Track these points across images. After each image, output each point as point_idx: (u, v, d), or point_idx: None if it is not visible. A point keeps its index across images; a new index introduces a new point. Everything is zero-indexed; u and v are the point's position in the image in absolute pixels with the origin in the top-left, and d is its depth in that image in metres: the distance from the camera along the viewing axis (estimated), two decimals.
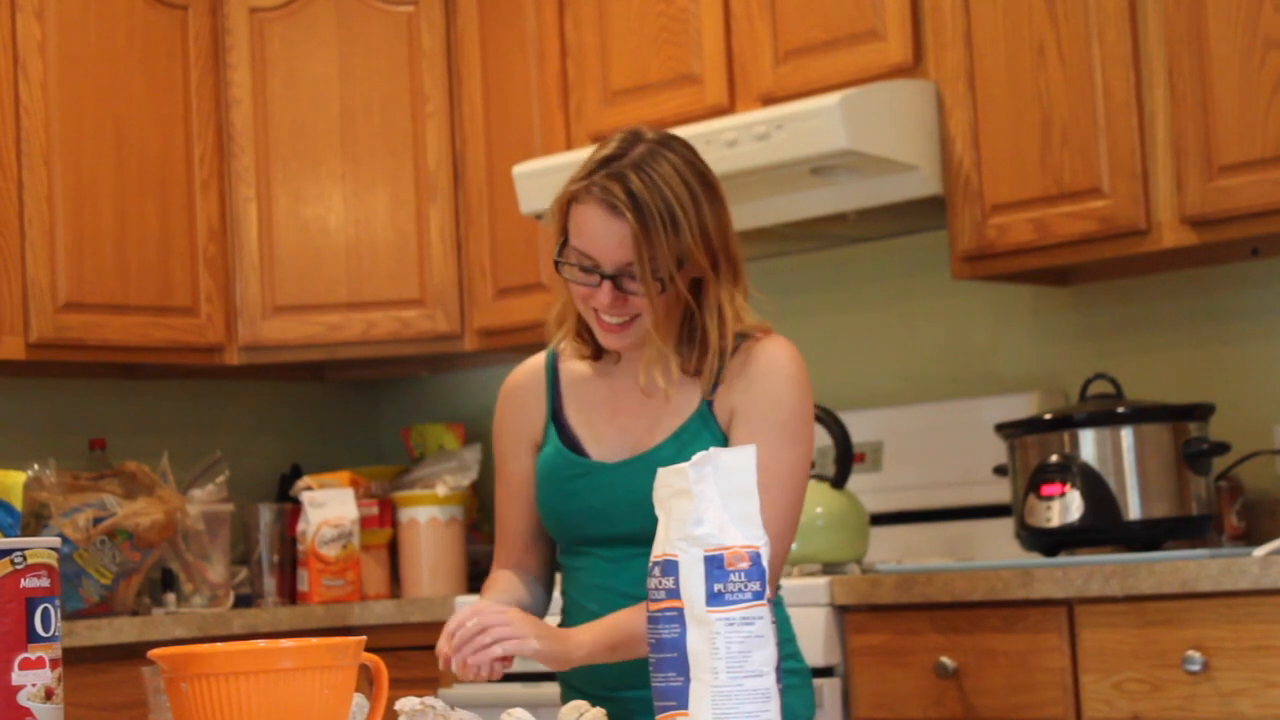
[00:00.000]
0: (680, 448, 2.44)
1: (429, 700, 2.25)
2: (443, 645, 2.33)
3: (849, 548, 3.60)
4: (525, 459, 2.60)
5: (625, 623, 2.39)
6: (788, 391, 2.46)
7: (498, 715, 2.01)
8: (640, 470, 2.46)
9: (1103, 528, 3.39)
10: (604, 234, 2.41)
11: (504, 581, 2.59)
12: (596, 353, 2.56)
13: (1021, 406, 3.79)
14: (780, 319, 4.32)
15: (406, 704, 2.20)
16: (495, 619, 2.30)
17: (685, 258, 2.41)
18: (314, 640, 1.70)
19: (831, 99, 3.56)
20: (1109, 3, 3.43)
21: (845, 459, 3.63)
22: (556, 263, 2.46)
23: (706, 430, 2.46)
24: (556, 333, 2.60)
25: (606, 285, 2.42)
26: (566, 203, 2.45)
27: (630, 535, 2.46)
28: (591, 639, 2.38)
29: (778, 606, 2.43)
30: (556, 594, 2.65)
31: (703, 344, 2.47)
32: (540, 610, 2.61)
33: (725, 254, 2.47)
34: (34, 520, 3.94)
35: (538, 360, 2.64)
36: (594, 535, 2.52)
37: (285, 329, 4.51)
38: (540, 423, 2.59)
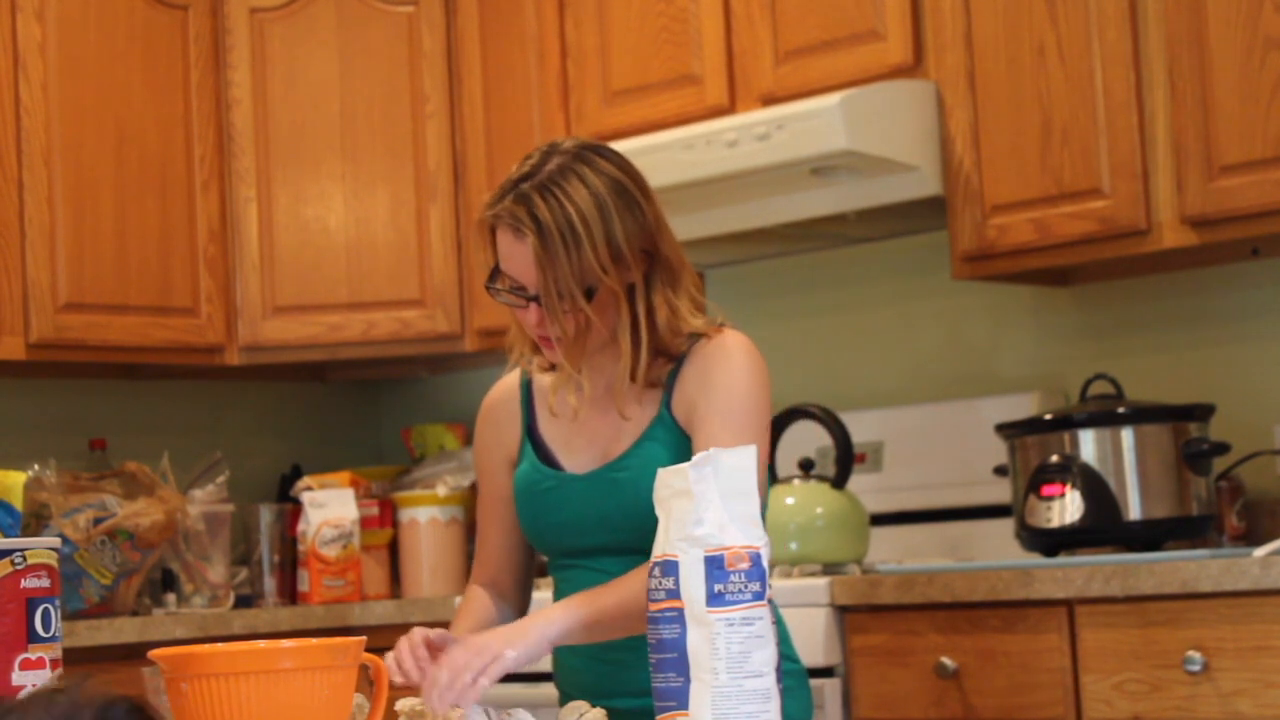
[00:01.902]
0: (642, 458, 2.44)
1: None
2: (413, 674, 2.28)
3: (849, 548, 3.60)
4: (503, 477, 2.61)
5: (602, 597, 2.34)
6: (739, 380, 2.43)
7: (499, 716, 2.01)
8: (606, 482, 2.47)
9: (1103, 528, 3.38)
10: (515, 257, 2.42)
11: (475, 607, 2.58)
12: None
13: (1021, 406, 3.79)
14: (781, 319, 4.34)
15: (405, 704, 2.20)
16: (458, 660, 2.21)
17: (590, 275, 2.39)
18: (314, 640, 1.70)
19: (832, 99, 3.56)
20: (1109, 3, 3.43)
21: (845, 459, 3.62)
22: (487, 287, 2.47)
23: (668, 434, 2.46)
24: (514, 351, 2.60)
25: (533, 306, 2.42)
26: (489, 229, 2.47)
27: (606, 546, 2.47)
28: (563, 614, 2.30)
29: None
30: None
31: (631, 348, 2.45)
32: None
33: (649, 262, 2.45)
34: (34, 520, 3.94)
35: (512, 378, 2.65)
36: (572, 547, 2.52)
37: (285, 329, 4.51)
38: (516, 440, 2.60)
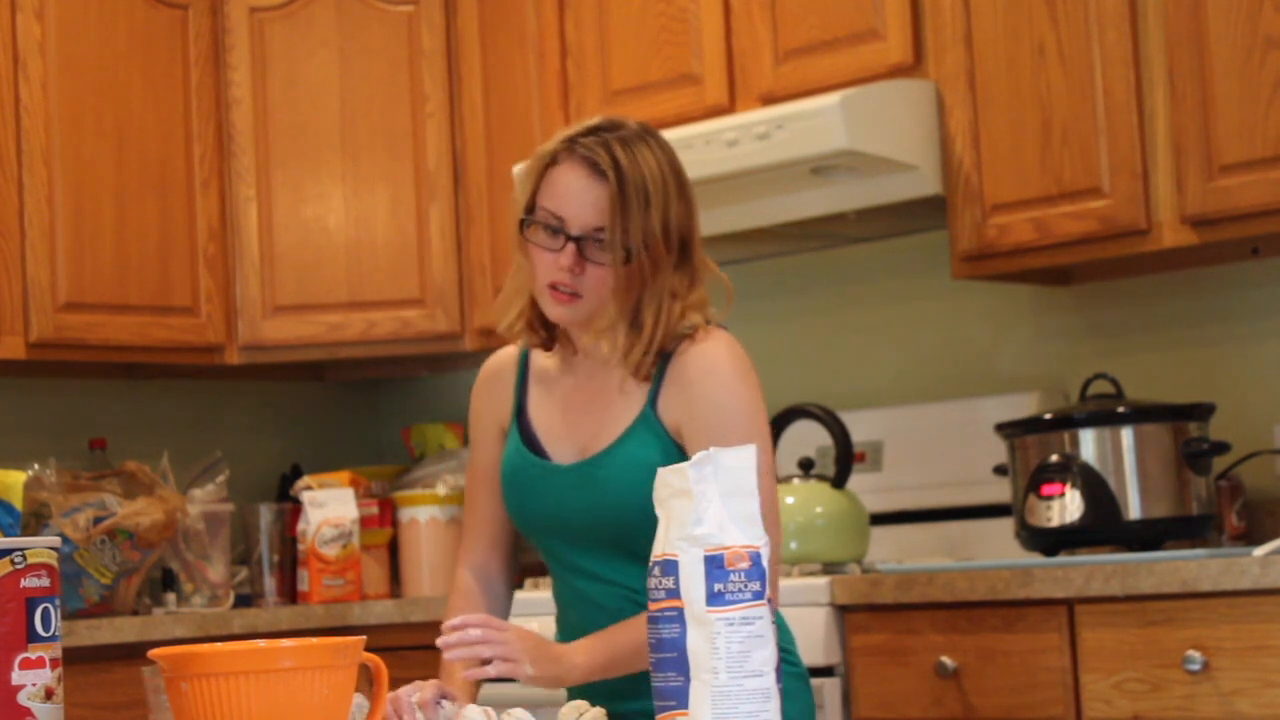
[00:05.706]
0: (624, 453, 2.44)
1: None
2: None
3: (849, 548, 3.60)
4: (495, 447, 2.61)
5: (621, 639, 2.38)
6: (728, 394, 2.42)
7: (498, 715, 2.01)
8: (586, 477, 2.47)
9: (1103, 528, 3.38)
10: (580, 193, 2.41)
11: (466, 602, 2.60)
12: (548, 341, 2.55)
13: (1021, 406, 3.79)
14: (781, 319, 4.34)
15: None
16: (494, 636, 2.29)
17: (650, 239, 2.40)
18: (314, 640, 1.70)
19: (831, 99, 3.56)
20: (1109, 3, 3.43)
21: (845, 459, 3.62)
22: (522, 222, 2.45)
23: (650, 434, 2.45)
24: (505, 316, 2.57)
25: (570, 247, 2.41)
26: (545, 162, 2.45)
27: (587, 538, 2.47)
28: (586, 660, 2.36)
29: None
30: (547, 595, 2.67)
31: (637, 334, 2.45)
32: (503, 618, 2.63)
33: (683, 252, 2.46)
34: (34, 520, 3.94)
35: (511, 350, 2.64)
36: (556, 534, 2.52)
37: (285, 329, 4.51)
38: (508, 413, 2.60)
